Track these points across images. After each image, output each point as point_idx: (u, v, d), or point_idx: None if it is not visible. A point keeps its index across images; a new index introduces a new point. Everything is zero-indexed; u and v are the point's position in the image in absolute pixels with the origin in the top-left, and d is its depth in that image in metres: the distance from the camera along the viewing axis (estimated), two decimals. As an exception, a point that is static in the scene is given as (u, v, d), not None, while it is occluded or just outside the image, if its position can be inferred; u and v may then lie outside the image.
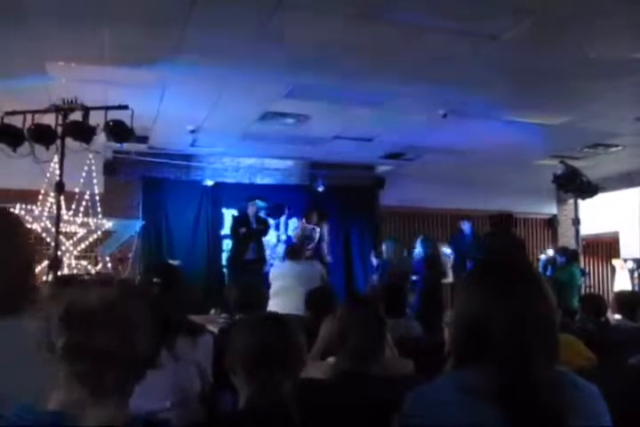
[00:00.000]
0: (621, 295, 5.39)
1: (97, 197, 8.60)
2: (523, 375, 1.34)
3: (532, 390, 1.32)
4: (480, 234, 10.13)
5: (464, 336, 1.47)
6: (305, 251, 7.42)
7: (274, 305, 5.88)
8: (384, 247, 8.70)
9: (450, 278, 9.73)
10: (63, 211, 7.03)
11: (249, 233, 9.16)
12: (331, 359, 2.68)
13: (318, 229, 10.16)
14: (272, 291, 6.29)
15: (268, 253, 10.02)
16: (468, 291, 1.53)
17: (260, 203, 9.41)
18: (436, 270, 8.31)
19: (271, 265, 10.25)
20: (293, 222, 10.86)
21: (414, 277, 8.33)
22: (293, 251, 7.01)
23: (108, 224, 8.64)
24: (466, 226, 10.00)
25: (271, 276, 6.77)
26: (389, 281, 7.42)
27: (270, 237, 10.42)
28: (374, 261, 9.10)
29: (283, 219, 10.83)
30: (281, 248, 10.66)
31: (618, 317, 5.15)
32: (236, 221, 9.53)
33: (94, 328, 1.15)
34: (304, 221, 10.28)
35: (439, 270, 8.38)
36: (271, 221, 10.46)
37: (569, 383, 1.40)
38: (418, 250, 8.37)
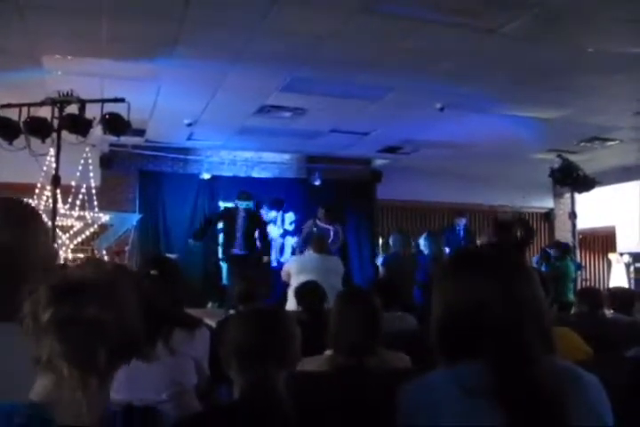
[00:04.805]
0: (615, 293, 5.32)
1: (93, 191, 8.55)
2: (522, 363, 1.30)
3: (532, 381, 1.28)
4: (473, 231, 10.13)
5: (455, 327, 1.40)
6: (328, 244, 7.03)
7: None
8: (390, 241, 8.57)
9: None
10: (59, 204, 7.01)
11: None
12: (328, 352, 2.68)
13: (333, 230, 9.16)
14: (294, 284, 5.67)
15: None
16: (454, 279, 1.46)
17: (242, 204, 8.62)
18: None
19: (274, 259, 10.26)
20: (290, 217, 10.86)
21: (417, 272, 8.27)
22: (319, 244, 6.49)
23: (104, 218, 8.61)
24: (461, 222, 9.95)
25: (291, 269, 6.32)
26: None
27: (272, 232, 10.35)
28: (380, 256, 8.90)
29: (280, 213, 10.79)
30: (279, 242, 10.65)
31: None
32: (221, 214, 9.22)
33: (85, 298, 1.10)
34: (317, 220, 9.30)
35: None
36: (273, 214, 10.39)
37: (571, 377, 1.35)
38: (423, 245, 8.32)
